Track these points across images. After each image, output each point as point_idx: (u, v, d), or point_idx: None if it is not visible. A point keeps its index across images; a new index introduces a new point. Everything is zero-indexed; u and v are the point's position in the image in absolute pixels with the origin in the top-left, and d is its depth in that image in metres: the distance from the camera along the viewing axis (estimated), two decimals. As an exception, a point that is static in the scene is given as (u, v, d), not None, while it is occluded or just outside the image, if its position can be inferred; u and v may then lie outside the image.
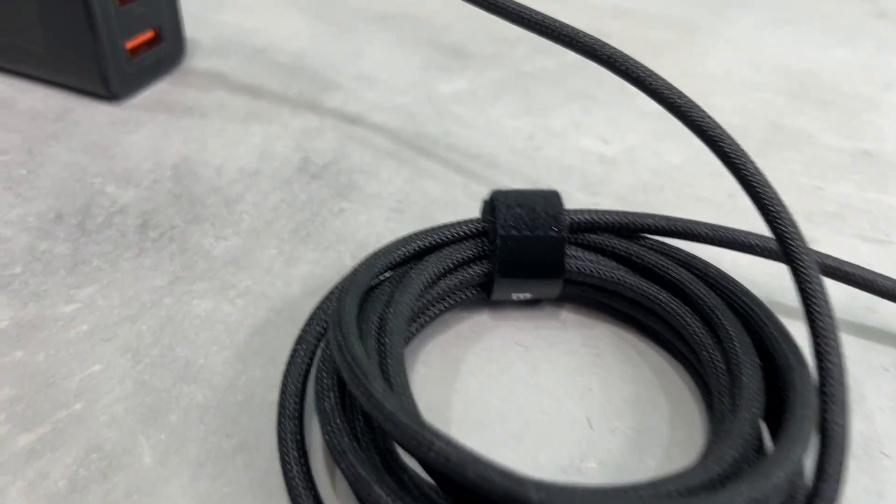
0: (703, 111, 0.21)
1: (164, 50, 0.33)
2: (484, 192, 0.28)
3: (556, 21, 0.24)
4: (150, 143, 0.29)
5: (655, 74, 0.22)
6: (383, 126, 0.31)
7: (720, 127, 0.21)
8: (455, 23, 0.38)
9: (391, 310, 0.19)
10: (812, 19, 0.41)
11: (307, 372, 0.19)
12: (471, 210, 0.27)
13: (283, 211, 0.26)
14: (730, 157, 0.21)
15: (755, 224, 0.26)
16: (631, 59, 0.23)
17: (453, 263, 0.21)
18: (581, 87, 0.34)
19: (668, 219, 0.22)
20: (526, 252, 0.21)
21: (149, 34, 0.32)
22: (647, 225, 0.22)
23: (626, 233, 0.22)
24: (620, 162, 0.29)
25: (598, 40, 0.23)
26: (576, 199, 0.27)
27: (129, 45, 0.31)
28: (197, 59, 0.35)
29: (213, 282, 0.23)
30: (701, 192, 0.28)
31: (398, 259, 0.21)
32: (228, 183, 0.27)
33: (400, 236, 0.21)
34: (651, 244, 0.22)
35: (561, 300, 0.23)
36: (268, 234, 0.25)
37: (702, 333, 0.20)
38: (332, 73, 0.34)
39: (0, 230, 0.25)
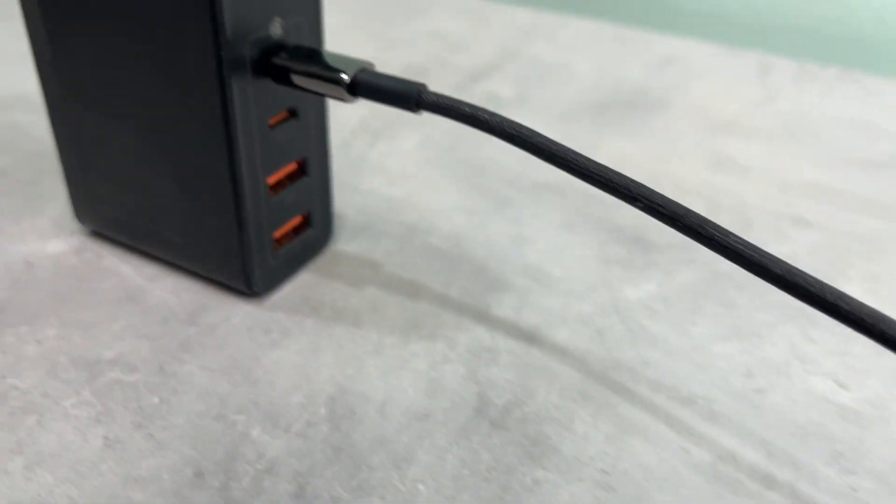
0: None
1: (311, 236, 0.29)
2: (708, 459, 0.22)
3: (728, 235, 0.20)
4: (299, 362, 0.25)
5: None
6: (567, 348, 0.26)
7: None
8: (626, 198, 0.34)
9: None
10: None
11: None
12: (698, 493, 0.21)
13: (465, 480, 0.21)
14: None
15: None
16: (845, 296, 0.19)
17: None
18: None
19: None
20: None
21: (297, 220, 0.28)
22: None
23: None
24: (867, 419, 0.24)
25: (787, 266, 0.20)
26: (824, 479, 0.22)
27: (276, 234, 0.27)
28: (342, 241, 0.31)
29: None
30: (984, 475, 0.22)
31: None
32: (395, 431, 0.23)
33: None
34: None
35: None
36: (451, 520, 0.20)
37: None
38: (497, 265, 0.30)
39: (131, 492, 0.21)
